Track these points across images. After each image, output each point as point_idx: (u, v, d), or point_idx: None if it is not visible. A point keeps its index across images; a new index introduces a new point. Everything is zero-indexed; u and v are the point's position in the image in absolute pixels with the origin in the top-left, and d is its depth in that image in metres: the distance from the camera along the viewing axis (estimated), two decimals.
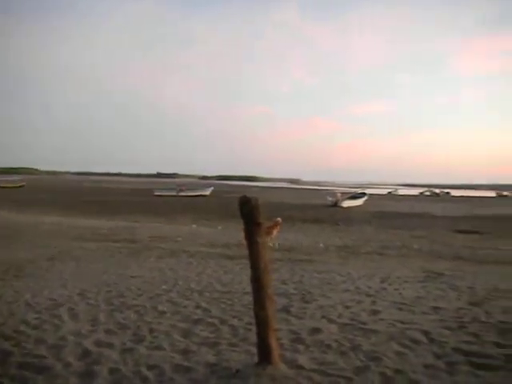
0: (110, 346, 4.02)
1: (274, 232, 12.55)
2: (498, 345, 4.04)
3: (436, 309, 5.31)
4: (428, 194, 77.45)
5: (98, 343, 4.09)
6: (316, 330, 4.39)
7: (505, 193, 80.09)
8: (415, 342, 4.11)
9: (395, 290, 6.38)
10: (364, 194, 42.56)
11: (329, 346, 3.95)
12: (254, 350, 3.57)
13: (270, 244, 12.17)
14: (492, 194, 79.81)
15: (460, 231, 18.35)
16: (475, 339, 4.17)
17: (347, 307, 5.35)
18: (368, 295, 6.02)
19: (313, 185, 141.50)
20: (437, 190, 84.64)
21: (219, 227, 17.95)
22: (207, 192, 50.04)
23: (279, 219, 12.76)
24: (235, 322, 4.75)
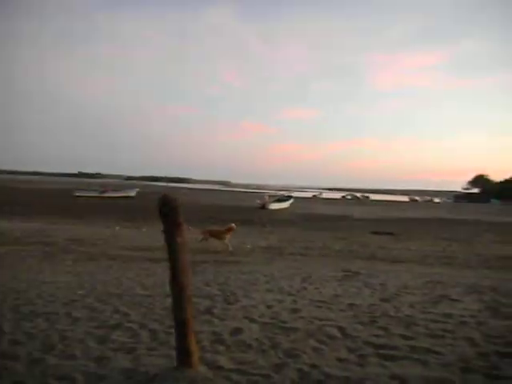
0: (15, 357, 3.70)
1: (228, 236, 12.65)
2: (403, 337, 4.37)
3: (351, 305, 5.61)
4: (350, 197, 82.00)
5: (1, 355, 3.74)
6: (238, 331, 4.41)
7: (416, 198, 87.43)
8: (331, 337, 4.30)
9: (315, 288, 6.64)
10: (290, 196, 43.91)
11: (249, 346, 3.99)
12: (174, 353, 3.50)
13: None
14: (405, 198, 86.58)
15: (376, 233, 19.60)
16: (384, 332, 4.47)
17: (269, 307, 5.45)
18: (290, 294, 6.19)
19: (242, 187, 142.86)
20: (358, 194, 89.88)
21: (144, 229, 17.41)
22: (132, 193, 48.35)
23: (233, 225, 12.90)
24: (155, 325, 4.62)
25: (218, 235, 12.56)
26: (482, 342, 4.31)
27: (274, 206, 36.25)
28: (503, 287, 7.10)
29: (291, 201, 41.14)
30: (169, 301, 5.14)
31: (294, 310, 5.30)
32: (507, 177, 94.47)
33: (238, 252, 11.92)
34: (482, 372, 3.56)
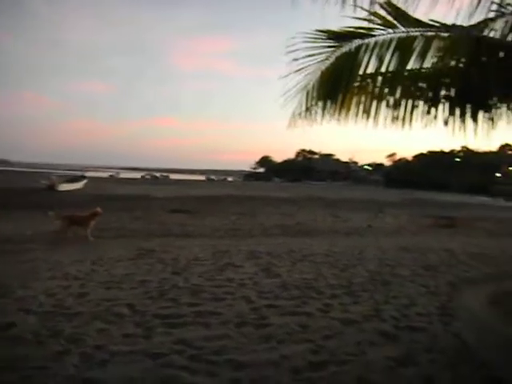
0: None
1: (92, 223, 10.61)
2: (190, 304, 4.68)
3: (143, 282, 5.65)
4: (149, 177, 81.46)
5: None
6: (8, 326, 3.89)
7: (213, 177, 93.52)
8: (119, 316, 4.25)
9: (105, 270, 6.40)
10: (84, 176, 40.84)
11: (23, 340, 3.59)
12: None
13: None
14: (203, 178, 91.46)
15: (174, 211, 20.07)
16: (173, 303, 4.69)
17: (52, 295, 4.99)
18: (77, 279, 5.81)
19: (26, 167, 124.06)
20: (157, 174, 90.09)
21: None
22: None
23: (99, 209, 10.83)
24: None
25: (81, 222, 10.59)
26: (256, 298, 4.99)
27: (65, 186, 33.02)
28: (276, 251, 8.33)
29: (85, 181, 38.20)
30: None
31: (81, 295, 5.02)
32: (286, 158, 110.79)
33: (13, 240, 10.41)
34: (254, 323, 4.13)
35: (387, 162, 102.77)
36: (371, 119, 4.37)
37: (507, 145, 72.64)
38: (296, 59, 4.18)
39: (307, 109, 4.51)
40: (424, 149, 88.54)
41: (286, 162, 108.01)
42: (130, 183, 52.09)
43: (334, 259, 7.64)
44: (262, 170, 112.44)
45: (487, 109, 4.15)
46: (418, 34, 3.83)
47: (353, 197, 38.76)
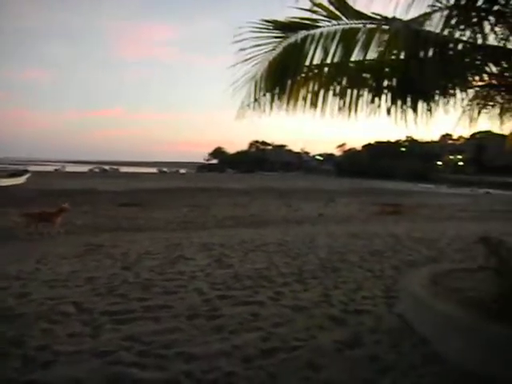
0: None
1: (59, 219, 9.94)
2: (140, 299, 4.57)
3: (90, 279, 5.44)
4: (97, 170, 78.60)
5: None
6: None
7: (164, 169, 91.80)
8: (64, 315, 4.07)
9: (50, 268, 6.10)
10: (26, 171, 38.86)
11: None
12: None
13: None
14: (154, 170, 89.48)
15: (123, 204, 19.51)
16: (121, 299, 4.56)
17: None
18: (18, 279, 5.49)
19: None
20: (106, 167, 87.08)
21: None
22: None
23: (67, 205, 10.18)
24: None
25: (48, 218, 10.08)
26: (208, 290, 4.96)
27: (4, 182, 31.25)
28: (228, 242, 8.33)
29: (27, 175, 36.38)
30: None
31: (23, 295, 4.76)
32: (239, 149, 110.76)
33: None
34: (205, 315, 4.10)
35: (338, 152, 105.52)
36: (319, 109, 4.43)
37: (447, 134, 76.78)
38: (243, 49, 4.15)
39: (256, 99, 4.48)
40: (372, 139, 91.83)
41: (239, 154, 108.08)
42: (76, 177, 49.99)
43: (286, 248, 7.76)
44: (215, 161, 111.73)
45: (426, 99, 4.34)
46: (361, 25, 3.92)
47: (305, 187, 39.54)
